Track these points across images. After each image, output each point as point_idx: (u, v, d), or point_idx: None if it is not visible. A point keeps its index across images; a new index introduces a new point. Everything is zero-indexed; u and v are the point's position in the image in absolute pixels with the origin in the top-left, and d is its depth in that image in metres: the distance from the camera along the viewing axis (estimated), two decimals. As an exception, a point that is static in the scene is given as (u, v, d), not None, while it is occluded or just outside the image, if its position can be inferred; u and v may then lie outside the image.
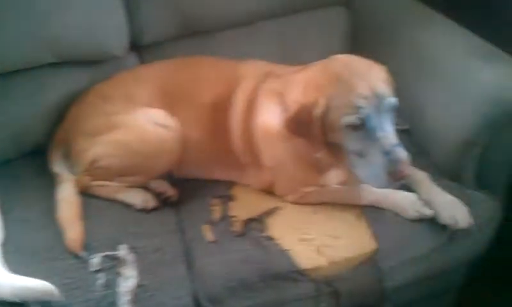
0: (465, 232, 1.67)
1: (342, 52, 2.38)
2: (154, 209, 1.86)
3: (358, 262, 1.65)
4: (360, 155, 1.55)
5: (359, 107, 1.48)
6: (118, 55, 2.12)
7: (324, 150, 1.63)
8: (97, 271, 1.61)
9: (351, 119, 1.49)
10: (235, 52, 2.27)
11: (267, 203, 1.81)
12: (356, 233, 1.68)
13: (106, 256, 1.64)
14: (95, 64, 2.13)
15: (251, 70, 1.93)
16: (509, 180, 1.95)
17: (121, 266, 1.62)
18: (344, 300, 1.64)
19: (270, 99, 1.80)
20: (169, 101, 1.93)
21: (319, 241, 1.66)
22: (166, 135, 1.85)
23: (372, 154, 1.51)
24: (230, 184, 1.94)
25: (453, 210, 1.67)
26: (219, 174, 1.97)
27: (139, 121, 1.86)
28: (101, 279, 1.58)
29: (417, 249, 1.70)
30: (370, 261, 1.66)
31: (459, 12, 2.14)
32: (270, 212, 1.77)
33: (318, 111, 1.53)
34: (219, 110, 1.89)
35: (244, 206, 1.82)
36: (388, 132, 1.50)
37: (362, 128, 1.50)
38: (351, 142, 1.55)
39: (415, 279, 1.73)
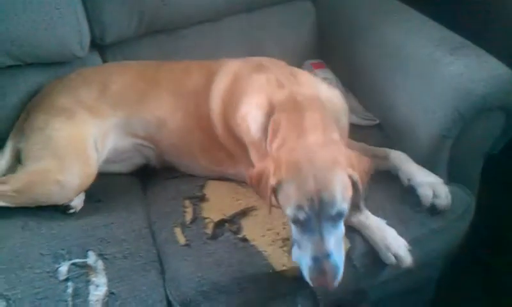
0: (443, 208, 1.71)
1: (308, 47, 2.39)
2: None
3: (333, 261, 1.63)
4: (296, 242, 1.51)
5: (300, 207, 1.43)
6: (79, 56, 2.06)
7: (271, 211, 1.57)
8: (66, 280, 1.56)
9: (291, 213, 1.45)
10: (201, 48, 2.26)
11: (241, 204, 1.78)
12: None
13: (74, 264, 1.60)
14: (57, 65, 2.08)
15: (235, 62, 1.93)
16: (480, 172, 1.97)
17: (91, 274, 1.57)
18: (320, 299, 1.62)
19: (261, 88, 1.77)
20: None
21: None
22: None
23: (304, 249, 1.46)
24: (202, 184, 1.90)
25: (434, 186, 1.71)
26: (204, 163, 1.94)
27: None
28: (70, 287, 1.54)
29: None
30: (345, 260, 1.63)
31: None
32: (243, 213, 1.74)
33: (271, 183, 1.48)
34: (200, 95, 1.88)
35: (217, 207, 1.78)
36: (325, 239, 1.43)
37: (301, 223, 1.45)
38: (292, 227, 1.51)
39: (392, 275, 1.72)
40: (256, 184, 1.56)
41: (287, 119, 1.61)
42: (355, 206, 1.55)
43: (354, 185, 1.48)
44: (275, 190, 1.49)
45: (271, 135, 1.64)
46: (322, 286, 1.45)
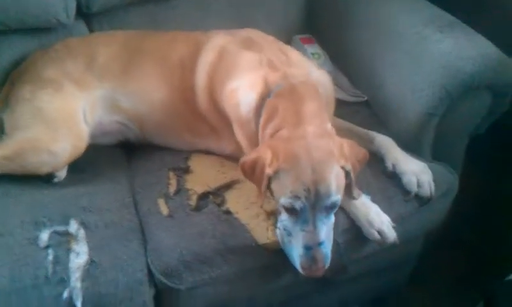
0: (427, 199, 1.71)
1: (298, 22, 2.34)
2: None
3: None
4: (287, 232, 1.51)
5: (297, 197, 1.45)
6: (65, 23, 2.03)
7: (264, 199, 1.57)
8: (46, 247, 1.55)
9: (287, 202, 1.46)
10: (190, 19, 2.23)
11: (225, 176, 1.77)
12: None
13: (55, 232, 1.58)
14: (42, 32, 2.04)
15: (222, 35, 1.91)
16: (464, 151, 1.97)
17: (72, 242, 1.56)
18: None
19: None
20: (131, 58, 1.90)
21: (276, 215, 1.62)
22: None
23: (295, 239, 1.48)
24: (187, 156, 1.88)
25: (418, 175, 1.71)
26: (187, 137, 1.93)
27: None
28: (50, 255, 1.53)
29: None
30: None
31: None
32: (228, 186, 1.73)
33: (268, 172, 1.48)
34: (186, 67, 1.85)
35: (201, 179, 1.77)
36: (317, 229, 1.46)
37: (296, 213, 1.47)
38: (283, 218, 1.52)
39: (374, 250, 1.73)
40: (249, 172, 1.55)
41: (285, 106, 1.59)
42: (348, 194, 1.57)
43: (347, 174, 1.51)
44: (270, 179, 1.50)
45: (265, 119, 1.63)
46: (312, 275, 1.47)
